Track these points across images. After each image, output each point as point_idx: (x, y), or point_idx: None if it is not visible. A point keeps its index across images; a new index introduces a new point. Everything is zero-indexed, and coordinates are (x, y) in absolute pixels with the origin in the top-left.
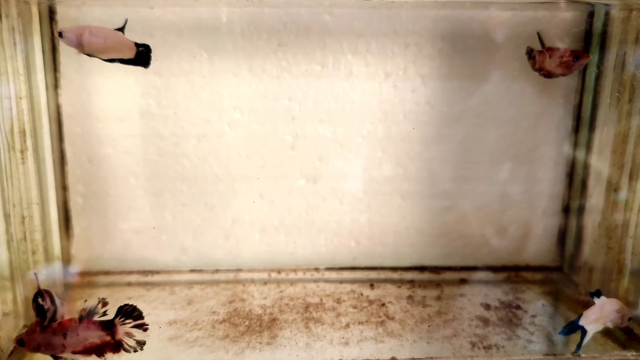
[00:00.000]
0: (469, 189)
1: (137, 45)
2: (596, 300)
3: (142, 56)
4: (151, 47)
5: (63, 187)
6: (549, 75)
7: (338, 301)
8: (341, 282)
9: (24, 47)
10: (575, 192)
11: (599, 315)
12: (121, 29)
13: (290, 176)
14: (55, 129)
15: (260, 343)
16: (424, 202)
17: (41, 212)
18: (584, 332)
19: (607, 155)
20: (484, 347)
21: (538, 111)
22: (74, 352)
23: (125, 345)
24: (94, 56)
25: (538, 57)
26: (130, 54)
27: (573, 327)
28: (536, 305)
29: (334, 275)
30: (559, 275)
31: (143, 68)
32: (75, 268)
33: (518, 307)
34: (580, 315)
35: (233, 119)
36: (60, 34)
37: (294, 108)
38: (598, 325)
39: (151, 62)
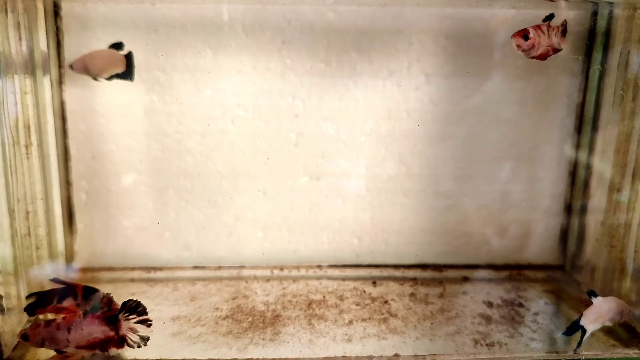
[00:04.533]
0: (472, 187)
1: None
2: (594, 299)
3: (128, 62)
4: (133, 54)
5: (67, 183)
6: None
7: (341, 298)
8: (344, 279)
9: (29, 43)
10: (578, 191)
11: (598, 314)
12: (115, 46)
13: (293, 174)
14: (59, 124)
15: (263, 339)
16: (427, 200)
17: (45, 208)
18: (583, 331)
19: (609, 154)
20: (486, 345)
21: (541, 110)
22: (78, 347)
23: (129, 341)
24: (99, 78)
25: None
26: (123, 67)
27: (575, 327)
28: (538, 303)
29: (336, 272)
30: (561, 273)
31: (132, 74)
32: (78, 264)
33: (520, 305)
34: (581, 315)
35: (237, 116)
36: (71, 67)
37: (298, 105)
38: (597, 324)
39: (134, 71)
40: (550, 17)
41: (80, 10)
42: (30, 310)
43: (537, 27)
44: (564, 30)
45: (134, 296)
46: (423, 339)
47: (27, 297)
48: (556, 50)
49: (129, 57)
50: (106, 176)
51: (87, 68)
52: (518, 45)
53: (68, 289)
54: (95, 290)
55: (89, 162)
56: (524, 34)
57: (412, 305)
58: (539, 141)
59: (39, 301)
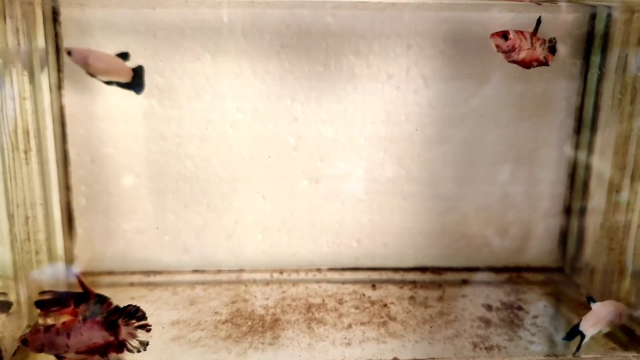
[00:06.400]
0: (471, 189)
1: (133, 69)
2: (592, 305)
3: (137, 75)
4: (144, 68)
5: (66, 188)
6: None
7: (340, 302)
8: (343, 282)
9: (27, 48)
10: (577, 193)
11: (597, 319)
12: (121, 56)
13: (292, 177)
14: (58, 129)
15: (262, 343)
16: (426, 203)
17: (45, 213)
18: (582, 336)
19: (608, 156)
20: (485, 348)
21: (540, 112)
22: (78, 352)
23: (129, 346)
24: (95, 77)
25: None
26: (127, 78)
27: (574, 332)
28: (537, 306)
29: (336, 275)
30: (561, 276)
31: (139, 87)
32: (78, 268)
33: (519, 308)
34: (580, 320)
35: (236, 119)
36: (68, 53)
37: (297, 109)
38: (596, 329)
39: (145, 85)
40: (539, 22)
41: (78, 16)
42: (42, 305)
43: (520, 32)
44: (551, 47)
45: (133, 300)
46: (422, 342)
47: (42, 292)
48: (541, 63)
49: (139, 71)
50: (106, 180)
51: (87, 64)
52: (497, 46)
53: (85, 294)
54: (106, 298)
55: (89, 167)
56: (503, 34)
57: (412, 308)
58: (538, 143)
59: (56, 301)
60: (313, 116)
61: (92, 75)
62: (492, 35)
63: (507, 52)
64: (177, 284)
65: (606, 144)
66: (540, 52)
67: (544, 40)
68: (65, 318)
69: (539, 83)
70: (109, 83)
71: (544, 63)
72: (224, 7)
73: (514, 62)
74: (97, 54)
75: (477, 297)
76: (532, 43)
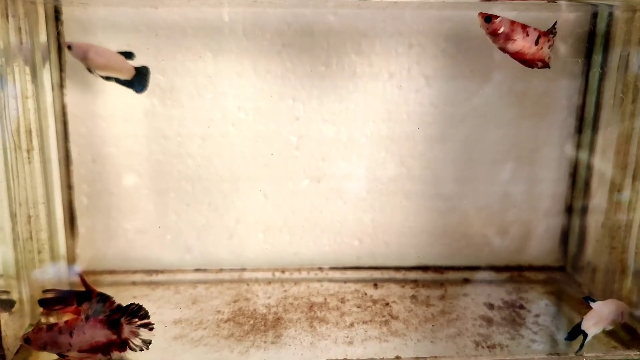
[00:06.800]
0: (473, 189)
1: (137, 68)
2: (592, 304)
3: (140, 75)
4: (149, 69)
5: (68, 187)
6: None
7: (342, 300)
8: (345, 281)
9: (30, 47)
10: (579, 193)
11: (599, 318)
12: (124, 54)
13: (294, 176)
14: (60, 128)
15: (265, 342)
16: (428, 202)
17: (47, 212)
18: (585, 335)
19: (610, 155)
20: (487, 347)
21: (541, 111)
22: (80, 351)
23: (132, 344)
24: (94, 72)
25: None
26: (128, 76)
27: (576, 332)
28: (539, 305)
29: (337, 274)
30: (562, 275)
31: (141, 87)
32: (80, 267)
33: (521, 307)
34: (582, 320)
35: (237, 118)
36: (69, 47)
37: (298, 108)
38: (598, 328)
39: (147, 86)
40: (554, 24)
41: (80, 15)
42: (45, 304)
43: (522, 26)
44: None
45: (135, 299)
46: (424, 341)
47: (44, 291)
48: (545, 64)
49: (143, 71)
50: (107, 179)
51: (87, 59)
52: (482, 25)
53: (87, 293)
54: (108, 297)
55: (90, 166)
56: (487, 16)
57: (413, 307)
58: (539, 142)
59: (59, 299)
60: (315, 115)
61: (90, 70)
62: (479, 13)
63: (493, 36)
64: (179, 283)
65: (607, 143)
66: (546, 52)
67: (553, 41)
68: (67, 316)
69: (540, 82)
70: (107, 78)
71: (546, 63)
72: (225, 6)
73: (503, 50)
74: (97, 49)
75: (478, 296)
76: (537, 41)
